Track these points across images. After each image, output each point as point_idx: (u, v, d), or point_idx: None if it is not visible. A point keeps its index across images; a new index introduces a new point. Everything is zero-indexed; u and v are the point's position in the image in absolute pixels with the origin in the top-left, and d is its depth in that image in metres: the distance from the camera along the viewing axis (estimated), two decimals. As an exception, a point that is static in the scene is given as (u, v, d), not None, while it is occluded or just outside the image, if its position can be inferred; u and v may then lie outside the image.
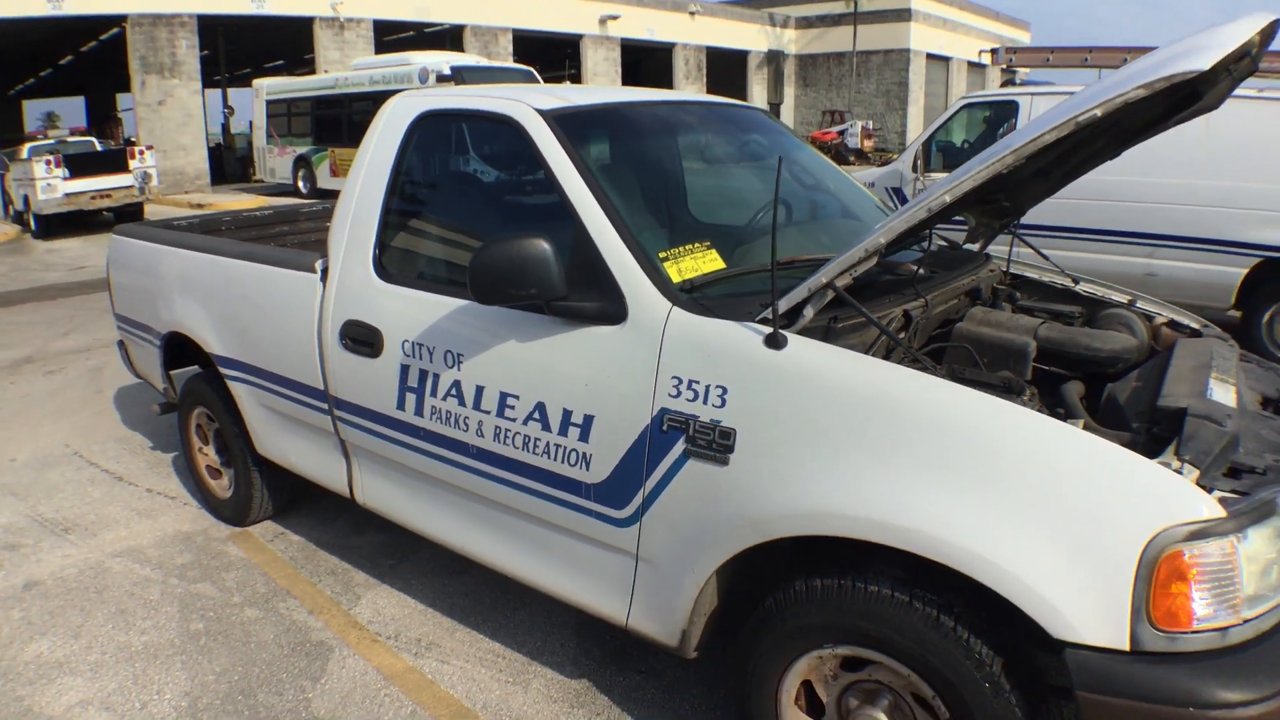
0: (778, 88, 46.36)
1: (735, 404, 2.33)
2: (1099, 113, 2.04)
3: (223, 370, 4.09)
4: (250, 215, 5.79)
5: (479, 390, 2.90)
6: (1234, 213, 7.12)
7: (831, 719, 2.41)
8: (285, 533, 4.49)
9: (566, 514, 2.76)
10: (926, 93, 44.85)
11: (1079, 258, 7.60)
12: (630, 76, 39.62)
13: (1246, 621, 1.93)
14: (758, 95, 45.33)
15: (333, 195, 16.77)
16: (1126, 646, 1.90)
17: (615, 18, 35.99)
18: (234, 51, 35.72)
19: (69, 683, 3.35)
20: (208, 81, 28.72)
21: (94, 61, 36.79)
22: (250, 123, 29.41)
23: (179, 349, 4.64)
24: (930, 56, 45.29)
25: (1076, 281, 3.51)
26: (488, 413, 2.88)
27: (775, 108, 46.31)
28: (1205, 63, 1.98)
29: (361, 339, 3.27)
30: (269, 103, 25.16)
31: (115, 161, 18.93)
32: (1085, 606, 1.90)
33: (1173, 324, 3.25)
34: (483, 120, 3.26)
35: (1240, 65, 2.64)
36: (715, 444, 2.35)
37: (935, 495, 2.04)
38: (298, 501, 4.68)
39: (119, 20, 24.75)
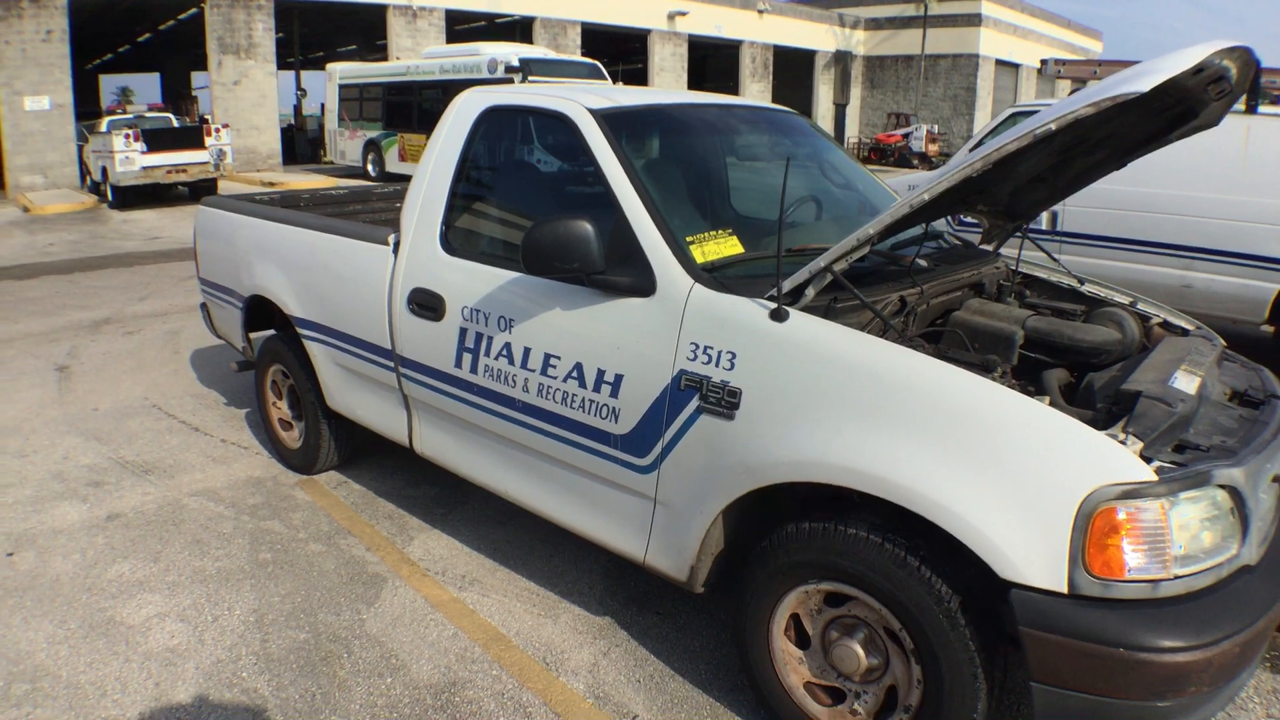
0: (844, 89, 46.23)
1: (742, 367, 2.69)
2: (1053, 127, 2.36)
3: (300, 331, 4.52)
4: (327, 193, 6.24)
5: (526, 351, 3.29)
6: (1270, 228, 7.21)
7: (816, 649, 2.77)
8: (347, 482, 4.92)
9: (597, 461, 3.14)
10: (995, 99, 44.48)
11: (1119, 267, 7.74)
12: (696, 72, 39.86)
13: (1178, 578, 2.23)
14: (824, 95, 45.30)
15: (401, 179, 17.30)
16: (1065, 589, 2.21)
17: (684, 14, 36.26)
18: (308, 35, 36.62)
19: (148, 598, 3.78)
20: (281, 63, 29.52)
21: (171, 40, 37.83)
22: (321, 105, 30.15)
23: (257, 313, 5.10)
24: (999, 62, 44.87)
25: (1082, 282, 3.79)
26: (533, 371, 3.27)
27: (841, 109, 46.22)
28: (1146, 86, 2.27)
29: (426, 304, 3.68)
30: (341, 87, 25.82)
31: (191, 138, 19.68)
32: (1029, 552, 2.22)
33: (1165, 324, 3.53)
34: (540, 116, 3.67)
35: (1218, 87, 2.92)
36: (724, 401, 2.72)
37: (907, 450, 2.38)
38: (360, 455, 5.11)
39: (198, 1, 25.59)
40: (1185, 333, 3.46)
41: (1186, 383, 2.73)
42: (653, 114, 3.74)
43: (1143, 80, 2.28)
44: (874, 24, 46.33)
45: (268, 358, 5.04)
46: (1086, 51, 53.36)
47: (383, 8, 28.57)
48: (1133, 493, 2.17)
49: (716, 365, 2.74)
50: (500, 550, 4.16)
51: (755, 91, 40.51)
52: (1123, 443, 2.27)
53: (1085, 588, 2.20)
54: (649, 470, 2.97)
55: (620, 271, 3.00)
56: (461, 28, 31.71)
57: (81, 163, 22.84)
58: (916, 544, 2.43)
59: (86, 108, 28.38)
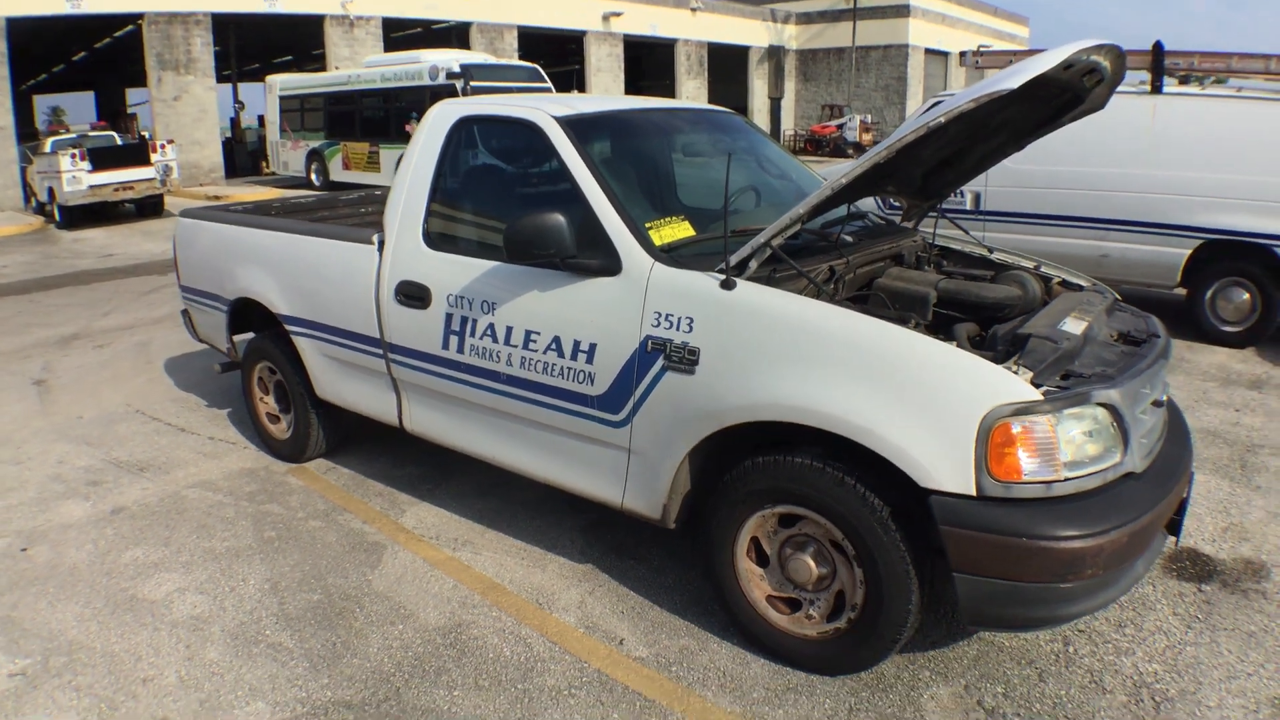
0: (779, 82, 47.04)
1: (699, 329, 3.17)
2: (943, 120, 2.84)
3: (288, 328, 4.89)
4: (296, 202, 6.60)
5: (509, 330, 3.72)
6: (1179, 199, 7.81)
7: (774, 567, 3.24)
8: (336, 468, 5.30)
9: (576, 421, 3.59)
10: (925, 87, 45.52)
11: (1040, 241, 8.32)
12: (633, 71, 40.29)
13: (1068, 480, 2.73)
14: (759, 90, 46.03)
15: (345, 187, 17.51)
16: (974, 492, 2.70)
17: (618, 14, 36.70)
18: (244, 47, 36.50)
19: (166, 577, 4.14)
20: (218, 76, 29.46)
21: (106, 57, 37.51)
22: (259, 117, 30.06)
23: (240, 316, 5.46)
24: (929, 51, 45.95)
25: (991, 251, 4.30)
26: (515, 346, 3.71)
27: (776, 102, 47.02)
28: (1015, 83, 2.77)
29: (413, 295, 4.09)
30: (282, 98, 25.89)
31: (137, 155, 19.73)
32: (942, 463, 2.71)
33: (1064, 282, 4.05)
34: (510, 124, 4.12)
35: (1093, 78, 3.43)
36: (685, 359, 3.18)
37: (840, 387, 2.86)
38: (345, 443, 5.49)
39: (135, 18, 25.48)
40: (1081, 289, 3.98)
41: (1074, 326, 3.24)
42: (610, 119, 4.19)
43: (1014, 79, 2.77)
44: (805, 18, 47.17)
45: (254, 356, 5.40)
46: (1013, 38, 54.79)
47: (320, 18, 28.63)
48: (1023, 410, 2.66)
49: (677, 329, 3.21)
50: (486, 516, 4.58)
51: (691, 88, 41.08)
52: (1015, 373, 2.76)
53: (990, 490, 2.69)
54: (623, 424, 3.42)
55: (590, 255, 3.45)
56: (398, 35, 31.83)
57: (25, 184, 22.70)
58: (852, 466, 2.91)
59: (22, 129, 28.11)
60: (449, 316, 3.95)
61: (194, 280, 5.84)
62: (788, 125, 46.85)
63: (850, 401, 2.83)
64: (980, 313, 3.58)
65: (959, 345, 2.98)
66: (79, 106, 62.54)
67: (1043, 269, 4.15)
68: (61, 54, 37.65)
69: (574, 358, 3.51)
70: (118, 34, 30.65)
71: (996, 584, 2.73)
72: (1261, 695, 3.15)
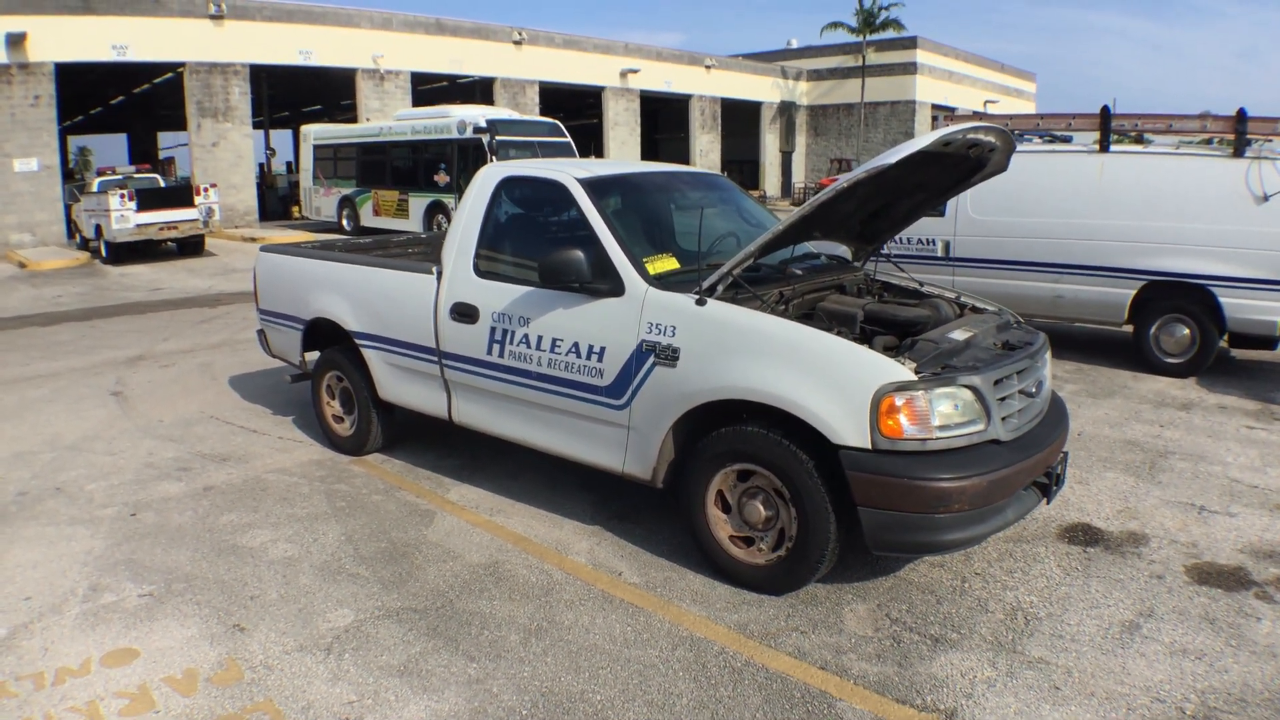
0: (789, 137, 48.57)
1: (680, 334, 4.30)
2: (844, 185, 3.98)
3: (358, 342, 6.05)
4: (355, 242, 7.81)
5: (539, 338, 4.86)
6: (1125, 245, 8.80)
7: (735, 512, 4.33)
8: (390, 459, 6.41)
9: (589, 406, 4.71)
10: (932, 142, 46.77)
11: (1002, 284, 9.35)
12: (649, 124, 41.79)
13: (938, 439, 3.80)
14: (770, 144, 47.57)
15: (375, 233, 18.63)
16: (869, 446, 3.79)
17: (635, 71, 38.34)
18: (276, 96, 38.14)
19: (258, 532, 5.20)
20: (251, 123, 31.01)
21: (141, 102, 39.19)
22: (287, 164, 31.25)
23: (311, 336, 6.60)
24: (935, 107, 47.41)
25: (922, 285, 5.40)
26: (544, 351, 4.84)
27: (787, 156, 48.52)
28: (893, 159, 3.90)
29: (465, 313, 5.24)
30: (316, 147, 27.36)
31: (181, 197, 21.13)
32: (847, 426, 3.81)
33: (974, 308, 5.14)
34: (542, 183, 5.31)
35: (977, 150, 4.57)
36: (670, 356, 4.31)
37: (779, 374, 3.98)
38: (396, 441, 6.60)
39: (177, 67, 27.11)
40: (985, 311, 5.07)
41: (960, 335, 4.34)
42: (620, 179, 5.41)
43: (894, 155, 3.91)
44: (816, 75, 48.84)
45: (324, 366, 6.53)
46: (1020, 93, 56.28)
47: (352, 71, 30.27)
48: (903, 387, 3.76)
49: (664, 334, 4.34)
50: (515, 493, 5.69)
51: (705, 142, 42.58)
52: (902, 363, 3.86)
53: (880, 444, 3.78)
54: (623, 407, 4.55)
55: (601, 282, 4.59)
56: (425, 88, 33.40)
57: (70, 221, 24.05)
58: (787, 432, 4.01)
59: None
60: (493, 329, 5.09)
61: (272, 304, 7.00)
62: (798, 178, 48.32)
63: (784, 383, 3.95)
64: (899, 328, 4.66)
65: (870, 347, 4.08)
66: (106, 147, 64.58)
67: (961, 299, 5.24)
68: (100, 97, 39.34)
69: (588, 358, 4.64)
70: (157, 80, 32.25)
71: (888, 514, 3.81)
72: (1115, 620, 4.12)
